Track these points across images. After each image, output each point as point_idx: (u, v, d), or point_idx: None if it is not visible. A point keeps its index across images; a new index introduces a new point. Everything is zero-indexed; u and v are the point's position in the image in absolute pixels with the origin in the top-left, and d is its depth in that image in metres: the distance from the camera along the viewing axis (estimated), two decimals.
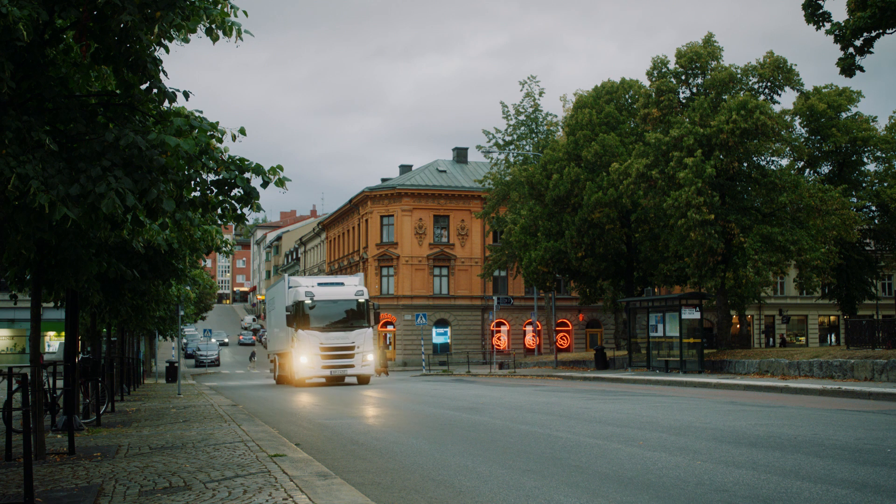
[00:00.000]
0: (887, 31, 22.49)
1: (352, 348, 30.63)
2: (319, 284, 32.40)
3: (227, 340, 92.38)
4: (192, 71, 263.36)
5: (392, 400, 21.56)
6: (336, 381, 32.06)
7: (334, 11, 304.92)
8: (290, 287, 32.76)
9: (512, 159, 51.55)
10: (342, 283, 32.99)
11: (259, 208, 9.03)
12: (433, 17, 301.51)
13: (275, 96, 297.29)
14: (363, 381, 31.77)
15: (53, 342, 42.73)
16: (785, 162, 38.58)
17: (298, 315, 30.64)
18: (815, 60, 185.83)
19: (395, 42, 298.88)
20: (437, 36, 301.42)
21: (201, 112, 8.22)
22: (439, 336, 61.90)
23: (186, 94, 8.06)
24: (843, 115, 40.73)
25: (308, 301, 30.67)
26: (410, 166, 69.65)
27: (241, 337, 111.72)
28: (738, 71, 34.68)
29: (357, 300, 31.44)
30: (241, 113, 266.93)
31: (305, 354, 30.31)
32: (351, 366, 30.66)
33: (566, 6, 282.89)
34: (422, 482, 8.21)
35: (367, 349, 31.05)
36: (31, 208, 6.89)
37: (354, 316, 31.44)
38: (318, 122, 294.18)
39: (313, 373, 30.54)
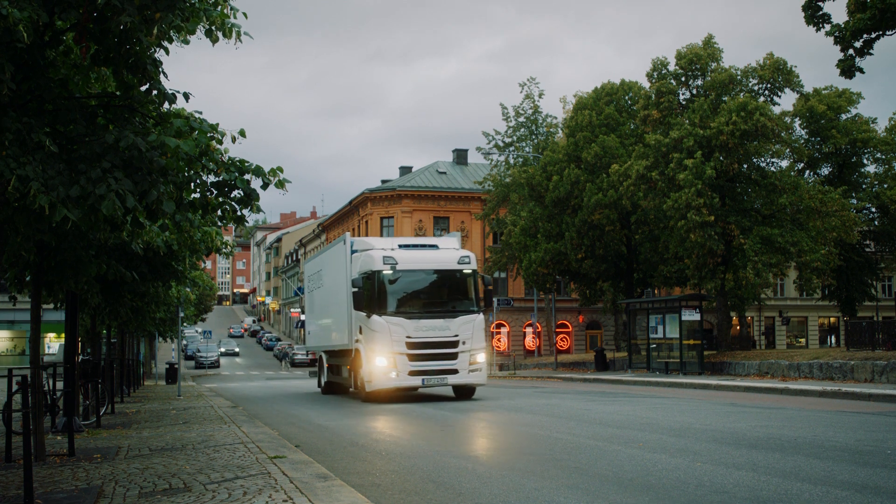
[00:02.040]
0: (887, 33, 22.50)
1: (454, 344, 19.79)
2: (402, 247, 21.21)
3: (237, 349, 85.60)
4: (192, 74, 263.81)
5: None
6: (419, 390, 22.30)
7: (332, 15, 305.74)
8: (354, 252, 21.99)
9: (512, 161, 51.56)
10: (435, 246, 21.82)
11: (259, 210, 9.01)
12: (431, 21, 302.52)
13: (274, 99, 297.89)
14: (464, 393, 20.90)
15: (53, 343, 42.68)
16: (785, 163, 38.59)
17: (372, 293, 19.86)
18: (812, 64, 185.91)
19: (394, 45, 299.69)
20: (435, 39, 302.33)
21: (201, 113, 8.22)
22: None
23: (186, 96, 8.06)
24: (843, 116, 40.74)
25: (388, 271, 19.91)
26: (410, 168, 69.68)
27: (231, 330, 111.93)
28: (738, 72, 34.69)
29: (461, 270, 20.60)
30: (240, 115, 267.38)
31: (383, 353, 19.53)
32: (452, 370, 19.81)
33: (563, 10, 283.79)
34: (422, 484, 8.20)
35: (476, 345, 20.14)
36: (32, 210, 6.88)
37: (457, 294, 20.73)
38: (318, 125, 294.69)
39: (395, 381, 19.70)
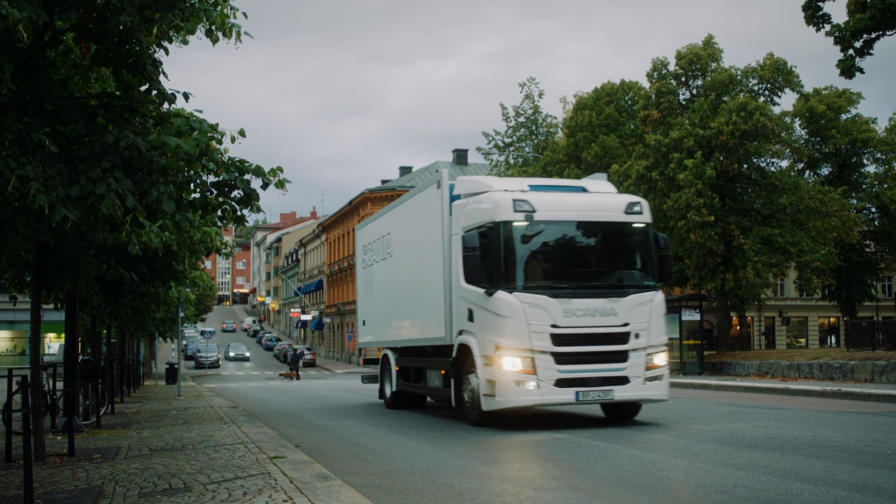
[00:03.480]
0: (887, 33, 22.51)
1: (623, 338, 12.81)
2: (535, 189, 13.87)
3: (248, 354, 77.83)
4: (193, 75, 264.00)
5: None
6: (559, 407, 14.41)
7: (332, 16, 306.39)
8: (456, 198, 14.56)
9: (512, 161, 51.57)
10: (583, 189, 14.49)
11: (259, 210, 9.01)
12: (430, 22, 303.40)
13: (274, 99, 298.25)
14: (629, 410, 13.80)
15: (53, 344, 42.68)
16: (785, 163, 38.62)
17: (497, 257, 12.79)
18: (812, 64, 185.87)
19: (393, 46, 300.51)
20: (434, 41, 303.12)
21: (201, 112, 8.22)
22: None
23: (186, 96, 8.06)
24: (843, 116, 40.75)
25: (522, 222, 12.87)
26: (410, 168, 69.75)
27: (223, 325, 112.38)
28: (738, 73, 34.72)
29: (630, 223, 13.46)
30: (240, 116, 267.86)
31: (515, 350, 12.40)
32: (619, 379, 12.71)
33: (561, 12, 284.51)
34: (422, 484, 8.20)
35: (655, 339, 13.07)
36: (31, 210, 6.88)
37: (624, 260, 13.85)
38: (318, 125, 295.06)
39: (535, 395, 12.46)
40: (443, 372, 14.79)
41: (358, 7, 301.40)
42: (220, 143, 8.15)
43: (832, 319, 66.33)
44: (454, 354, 13.82)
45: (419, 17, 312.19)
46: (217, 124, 8.23)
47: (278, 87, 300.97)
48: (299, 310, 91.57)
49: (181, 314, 30.88)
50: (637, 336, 12.78)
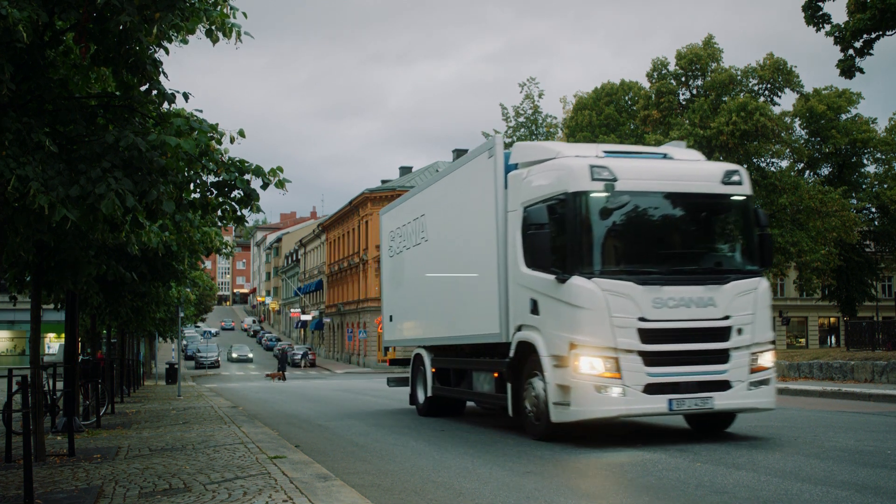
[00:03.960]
0: (887, 33, 22.52)
1: (723, 333, 10.66)
2: (610, 154, 11.68)
3: (251, 355, 74.67)
4: (193, 76, 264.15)
5: None
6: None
7: (331, 17, 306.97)
8: (512, 168, 12.41)
9: None
10: (666, 156, 12.14)
11: (259, 210, 9.02)
12: (429, 23, 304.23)
13: (274, 100, 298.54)
14: (720, 421, 11.63)
15: (53, 344, 42.70)
16: (785, 163, 38.64)
17: (573, 234, 10.63)
18: (812, 64, 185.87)
19: (392, 47, 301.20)
20: (433, 41, 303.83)
21: (201, 112, 8.22)
22: None
23: (186, 96, 8.06)
24: (843, 116, 40.78)
25: (601, 192, 10.55)
26: (410, 168, 69.73)
27: (222, 323, 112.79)
28: (738, 73, 34.74)
29: (729, 195, 11.33)
30: (240, 116, 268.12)
31: (595, 349, 10.26)
32: (720, 383, 10.53)
33: (560, 13, 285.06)
34: (422, 484, 8.20)
35: (760, 336, 10.90)
36: (31, 210, 6.88)
37: (721, 239, 11.90)
38: (317, 126, 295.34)
39: (621, 404, 10.24)
40: (495, 375, 12.52)
41: (357, 7, 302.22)
42: (219, 143, 8.16)
43: (832, 319, 66.36)
44: (512, 354, 11.68)
45: (419, 17, 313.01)
46: (217, 124, 8.24)
47: (278, 88, 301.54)
48: (299, 310, 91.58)
49: (181, 314, 30.88)
50: (740, 331, 10.61)
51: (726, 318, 10.58)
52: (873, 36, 22.59)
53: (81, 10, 6.84)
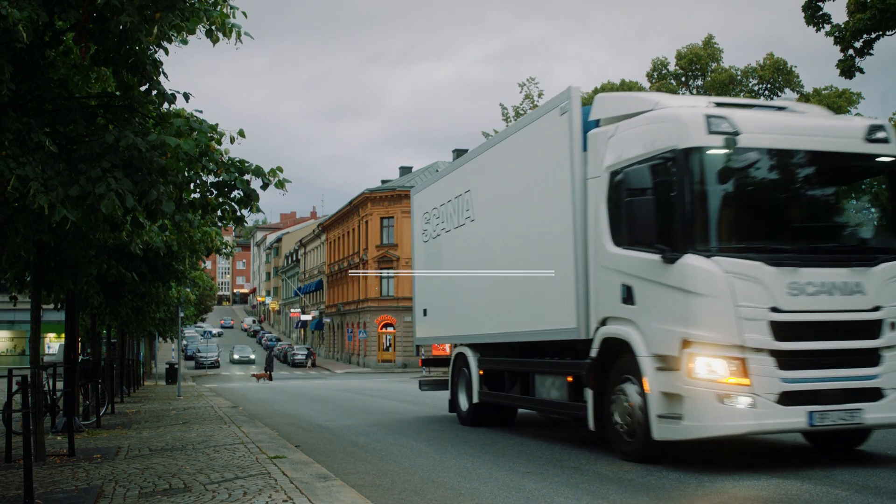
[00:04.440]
0: (887, 33, 22.51)
1: (871, 329, 8.48)
2: (725, 107, 9.08)
3: (253, 356, 71.65)
4: (193, 77, 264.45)
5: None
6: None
7: (330, 18, 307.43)
8: (592, 126, 10.24)
9: None
10: (785, 109, 10.03)
11: (259, 210, 9.01)
12: (428, 24, 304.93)
13: (274, 101, 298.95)
14: (850, 437, 9.47)
15: (53, 344, 42.69)
16: None
17: (682, 200, 8.42)
18: (809, 66, 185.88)
19: (391, 48, 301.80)
20: (432, 42, 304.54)
21: (201, 112, 8.22)
22: None
23: (186, 96, 8.06)
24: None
25: (719, 149, 8.40)
26: (410, 168, 69.74)
27: (221, 321, 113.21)
28: (738, 73, 34.74)
29: (873, 157, 9.16)
30: (240, 117, 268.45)
31: (714, 347, 8.16)
32: (870, 391, 8.37)
33: (559, 14, 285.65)
34: (422, 484, 8.20)
35: None
36: (31, 210, 6.88)
37: (863, 210, 10.46)
38: (317, 126, 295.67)
39: (749, 418, 8.05)
40: (568, 379, 10.32)
41: (357, 8, 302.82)
42: (219, 143, 8.16)
43: None
44: (594, 354, 9.62)
45: (418, 18, 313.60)
46: (217, 124, 8.24)
47: (278, 89, 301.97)
48: (299, 310, 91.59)
49: (181, 314, 30.88)
50: (893, 326, 8.51)
51: (877, 308, 8.47)
52: (873, 36, 22.57)
53: (81, 11, 6.84)
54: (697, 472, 8.28)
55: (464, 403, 13.98)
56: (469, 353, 13.70)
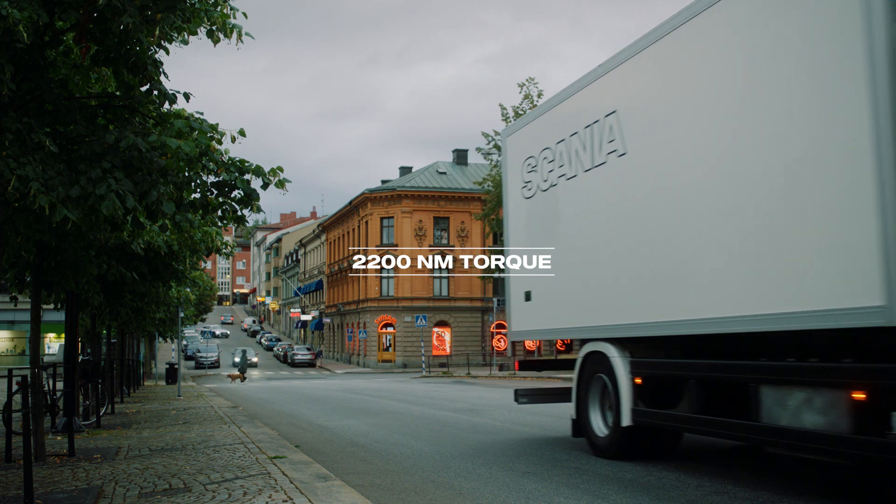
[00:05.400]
0: None
1: None
2: None
3: (256, 360, 67.34)
4: (193, 78, 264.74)
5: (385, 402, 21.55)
6: None
7: (329, 21, 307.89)
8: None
9: None
10: None
11: (259, 210, 9.02)
12: (426, 26, 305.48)
13: (273, 103, 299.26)
14: None
15: (53, 344, 42.69)
16: None
17: None
18: None
19: (390, 50, 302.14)
20: (430, 44, 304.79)
21: (202, 114, 8.23)
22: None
23: (187, 96, 8.07)
24: None
25: None
26: (410, 168, 69.73)
27: (221, 318, 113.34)
28: None
29: None
30: (240, 118, 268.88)
31: None
32: None
33: (557, 16, 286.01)
34: (422, 484, 8.20)
35: None
36: (32, 210, 6.89)
37: None
38: (317, 128, 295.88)
39: None
40: (856, 396, 6.32)
41: (354, 11, 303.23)
42: (220, 143, 8.17)
43: None
44: None
45: (416, 20, 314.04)
46: (217, 124, 8.25)
47: (277, 90, 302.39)
48: (299, 310, 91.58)
49: (181, 314, 30.88)
50: None
51: None
52: None
53: (82, 11, 6.84)
54: (697, 473, 8.29)
55: (600, 425, 9.90)
56: (612, 351, 9.52)
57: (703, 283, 8.00)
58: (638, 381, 9.13)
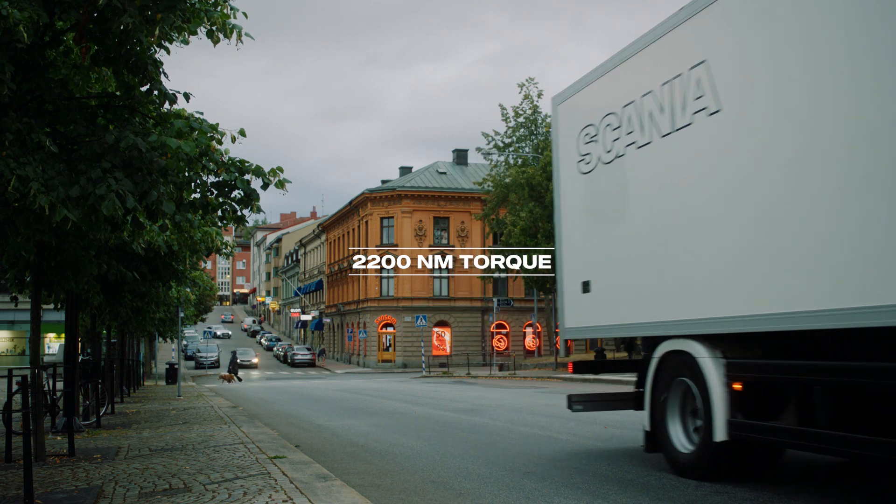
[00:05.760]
0: None
1: None
2: None
3: (256, 361, 66.57)
4: (193, 79, 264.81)
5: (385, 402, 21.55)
6: None
7: (329, 21, 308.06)
8: None
9: (511, 161, 51.55)
10: None
11: (259, 210, 9.03)
12: (426, 26, 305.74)
13: (273, 103, 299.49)
14: None
15: (53, 344, 42.69)
16: None
17: None
18: None
19: (389, 50, 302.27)
20: (430, 45, 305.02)
21: (202, 114, 8.23)
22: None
23: (187, 96, 8.07)
24: None
25: None
26: (410, 168, 69.75)
27: (222, 316, 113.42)
28: None
29: None
30: (240, 119, 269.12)
31: None
32: None
33: (556, 16, 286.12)
34: (422, 484, 8.20)
35: None
36: (32, 210, 6.89)
37: None
38: (317, 128, 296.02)
39: None
40: None
41: (353, 12, 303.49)
42: (220, 143, 8.17)
43: None
44: None
45: (415, 20, 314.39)
46: (217, 124, 8.25)
47: (278, 91, 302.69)
48: (299, 310, 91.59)
49: (181, 314, 30.88)
50: None
51: None
52: None
53: (82, 11, 6.84)
54: None
55: (682, 440, 8.41)
56: (700, 351, 7.97)
57: (841, 263, 6.28)
58: (737, 386, 7.52)
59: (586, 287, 10.07)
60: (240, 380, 43.84)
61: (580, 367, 11.41)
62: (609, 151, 9.56)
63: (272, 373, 57.38)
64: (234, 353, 54.34)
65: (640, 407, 9.15)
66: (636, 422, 12.96)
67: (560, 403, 18.45)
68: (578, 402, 10.05)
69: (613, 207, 9.67)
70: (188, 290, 28.49)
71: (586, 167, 10.10)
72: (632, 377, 9.70)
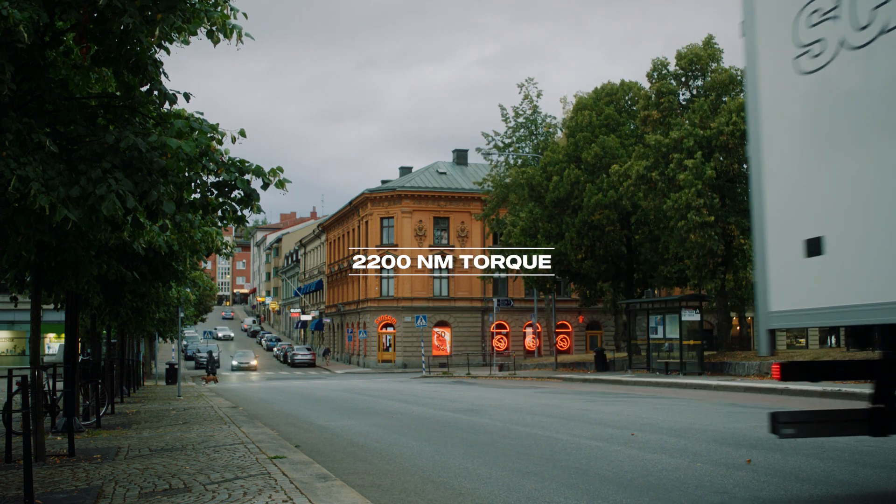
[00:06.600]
0: None
1: None
2: None
3: (255, 363, 64.15)
4: (194, 79, 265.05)
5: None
6: None
7: (329, 22, 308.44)
8: None
9: (511, 161, 51.58)
10: None
11: (259, 210, 9.03)
12: (425, 27, 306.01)
13: (273, 104, 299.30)
14: None
15: (53, 344, 42.69)
16: None
17: None
18: None
19: (389, 51, 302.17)
20: (429, 46, 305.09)
21: (202, 114, 8.23)
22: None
23: (187, 96, 8.07)
24: None
25: None
26: (410, 168, 69.76)
27: (222, 314, 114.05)
28: (739, 73, 34.71)
29: None
30: (240, 120, 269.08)
31: None
32: None
33: (555, 18, 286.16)
34: (422, 484, 8.20)
35: None
36: (32, 210, 6.89)
37: None
38: (317, 129, 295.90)
39: None
40: None
41: (353, 13, 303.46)
42: (220, 143, 8.17)
43: None
44: None
45: (415, 22, 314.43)
46: (217, 124, 8.25)
47: (278, 91, 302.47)
48: (299, 310, 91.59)
49: (181, 314, 30.88)
50: None
51: None
52: None
53: (82, 11, 6.84)
54: (697, 473, 8.29)
55: None
56: None
57: None
58: None
59: (815, 247, 6.41)
60: (216, 381, 43.74)
61: (791, 372, 7.70)
62: (864, 28, 5.85)
63: (272, 373, 57.37)
64: (210, 352, 53.25)
65: (882, 430, 6.70)
66: (633, 421, 12.88)
67: (560, 403, 18.45)
68: (789, 424, 6.89)
69: (872, 118, 5.94)
70: (188, 290, 28.49)
71: (812, 62, 6.47)
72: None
